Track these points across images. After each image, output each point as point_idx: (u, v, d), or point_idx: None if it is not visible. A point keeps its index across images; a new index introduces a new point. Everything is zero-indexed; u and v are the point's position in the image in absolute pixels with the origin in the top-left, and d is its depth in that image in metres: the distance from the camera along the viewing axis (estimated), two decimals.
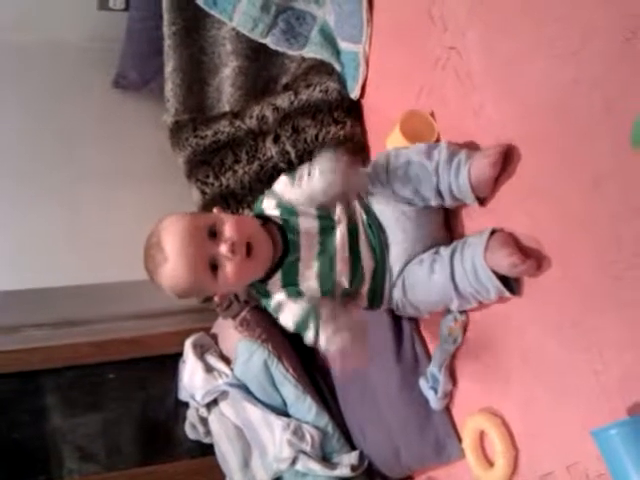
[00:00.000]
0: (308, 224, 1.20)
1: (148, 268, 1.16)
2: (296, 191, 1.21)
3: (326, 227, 1.21)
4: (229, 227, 1.12)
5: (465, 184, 1.13)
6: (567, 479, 1.05)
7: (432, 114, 1.34)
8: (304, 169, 1.22)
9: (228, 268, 1.10)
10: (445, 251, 1.18)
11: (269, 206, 1.24)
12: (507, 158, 1.12)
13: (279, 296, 1.19)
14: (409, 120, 1.35)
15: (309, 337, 1.14)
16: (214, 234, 1.11)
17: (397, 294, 1.24)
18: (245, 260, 1.11)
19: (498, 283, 1.09)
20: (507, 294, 1.10)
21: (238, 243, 1.10)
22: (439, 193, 1.18)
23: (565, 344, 1.02)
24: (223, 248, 1.09)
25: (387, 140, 1.41)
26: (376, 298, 1.27)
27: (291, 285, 1.18)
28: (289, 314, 1.16)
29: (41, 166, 1.99)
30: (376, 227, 1.24)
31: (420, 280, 1.19)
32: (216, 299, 1.21)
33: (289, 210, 1.21)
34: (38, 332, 1.96)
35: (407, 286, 1.22)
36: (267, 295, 1.21)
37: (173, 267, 1.10)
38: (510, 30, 1.10)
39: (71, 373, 2.07)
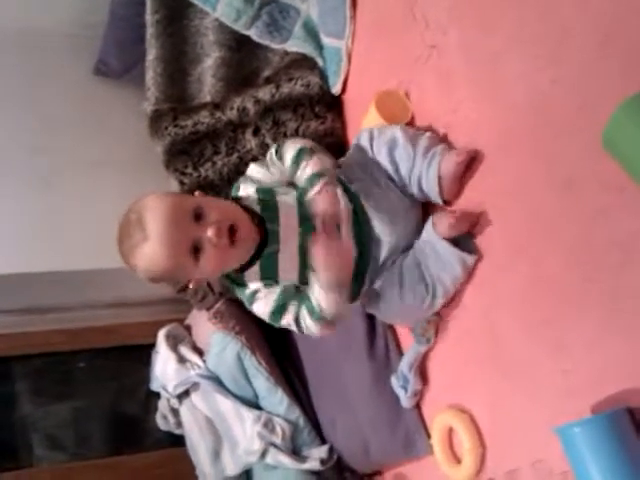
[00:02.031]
0: (288, 212, 1.17)
1: (123, 247, 1.08)
2: (273, 172, 1.21)
3: (306, 214, 1.17)
4: (215, 210, 1.07)
5: (433, 178, 1.16)
6: (532, 476, 1.06)
7: (407, 94, 1.35)
8: (271, 154, 1.22)
9: (211, 253, 1.05)
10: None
11: (247, 193, 1.20)
12: (474, 161, 1.15)
13: (254, 285, 1.16)
14: (383, 100, 1.36)
15: (287, 322, 1.13)
16: (199, 217, 1.06)
17: (371, 308, 1.27)
18: (228, 246, 1.06)
19: (454, 248, 1.14)
20: (468, 258, 1.14)
21: (224, 227, 1.05)
22: (409, 180, 1.20)
23: (535, 343, 1.03)
24: (210, 232, 1.04)
25: (363, 121, 1.42)
26: (354, 290, 1.24)
27: (269, 277, 1.15)
28: (265, 302, 1.14)
29: (20, 152, 1.97)
30: (362, 215, 1.22)
31: (393, 304, 1.21)
32: (190, 285, 1.15)
33: (267, 203, 1.18)
34: (9, 318, 1.94)
35: (382, 308, 1.24)
36: (242, 285, 1.18)
37: (153, 247, 1.03)
38: (490, 30, 1.11)
39: (42, 361, 2.05)
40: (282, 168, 1.22)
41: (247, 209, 1.15)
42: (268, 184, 1.22)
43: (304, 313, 1.11)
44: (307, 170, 1.18)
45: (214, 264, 1.08)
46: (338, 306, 1.09)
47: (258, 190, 1.19)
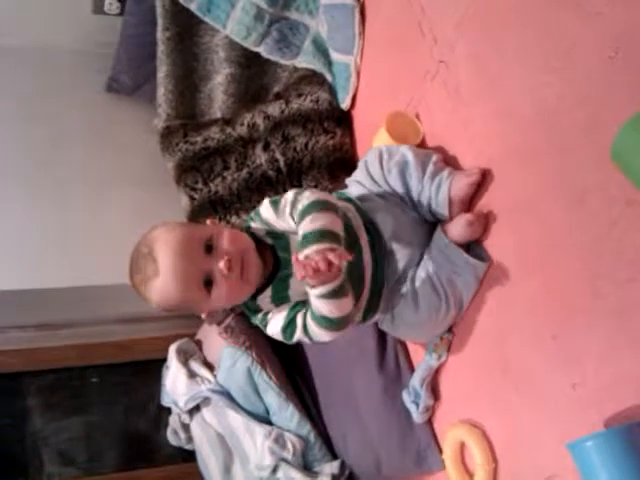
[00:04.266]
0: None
1: (135, 279, 1.08)
2: (280, 222, 1.14)
3: None
4: (226, 241, 1.07)
5: (444, 200, 1.16)
6: None
7: (417, 116, 1.36)
8: (287, 199, 1.12)
9: (223, 285, 1.05)
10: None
11: (258, 228, 1.18)
12: (485, 180, 1.14)
13: (267, 308, 1.15)
14: (394, 121, 1.36)
15: (298, 335, 1.10)
16: (210, 248, 1.06)
17: (386, 326, 1.26)
18: (240, 278, 1.06)
19: (466, 255, 1.13)
20: (480, 265, 1.13)
21: (235, 259, 1.05)
22: (420, 202, 1.20)
23: (545, 357, 1.03)
24: (221, 264, 1.04)
25: (373, 140, 1.42)
26: (371, 308, 1.23)
27: (280, 299, 1.14)
28: (276, 321, 1.13)
29: (32, 168, 1.99)
30: (374, 232, 1.21)
31: (409, 320, 1.20)
32: (203, 316, 1.14)
33: (278, 234, 1.16)
34: (22, 334, 1.94)
35: (397, 324, 1.23)
36: (256, 311, 1.17)
37: (165, 282, 1.03)
38: (497, 45, 1.12)
39: (54, 376, 2.06)
40: (290, 224, 1.11)
41: (258, 239, 1.14)
42: (274, 228, 1.16)
43: (309, 321, 1.08)
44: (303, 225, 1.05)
45: (226, 296, 1.07)
46: (337, 311, 1.04)
47: (268, 233, 1.16)
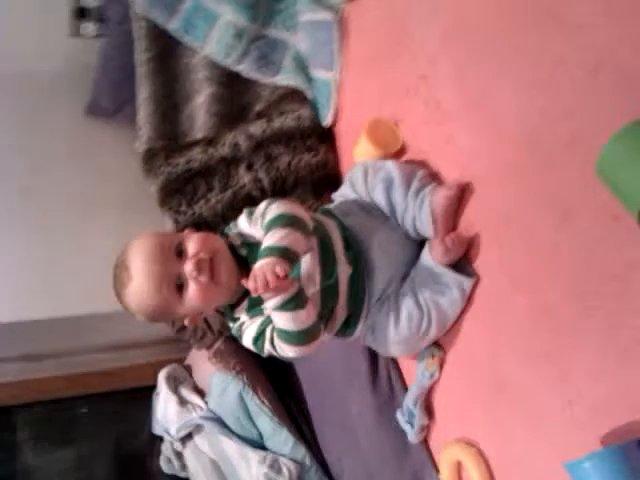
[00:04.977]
0: None
1: (115, 289, 1.11)
2: (254, 232, 1.16)
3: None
4: (194, 243, 1.08)
5: (426, 216, 1.16)
6: None
7: (396, 123, 1.36)
8: (259, 210, 1.14)
9: (193, 288, 1.06)
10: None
11: (234, 238, 1.19)
12: (465, 193, 1.14)
13: (243, 318, 1.16)
14: (374, 129, 1.37)
15: (267, 348, 1.11)
16: (181, 253, 1.08)
17: (368, 341, 1.26)
18: (210, 281, 1.07)
19: (452, 273, 1.13)
20: (466, 281, 1.13)
21: (203, 260, 1.06)
22: (404, 220, 1.21)
23: (539, 375, 1.01)
24: (188, 266, 1.06)
25: (354, 150, 1.43)
26: (351, 322, 1.23)
27: (255, 312, 1.14)
28: (249, 332, 1.14)
29: (12, 194, 1.95)
30: (356, 248, 1.21)
31: (389, 332, 1.20)
32: (186, 322, 1.15)
33: (252, 245, 1.16)
34: (7, 366, 1.91)
35: (378, 338, 1.22)
36: (235, 320, 1.18)
37: (137, 286, 1.06)
38: (480, 60, 1.11)
39: (42, 408, 2.03)
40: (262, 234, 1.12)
41: (233, 248, 1.15)
42: (252, 238, 1.17)
43: (275, 334, 1.09)
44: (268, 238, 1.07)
45: (197, 299, 1.08)
46: (293, 323, 1.05)
47: (243, 243, 1.18)
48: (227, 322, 1.22)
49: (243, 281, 1.00)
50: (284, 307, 1.03)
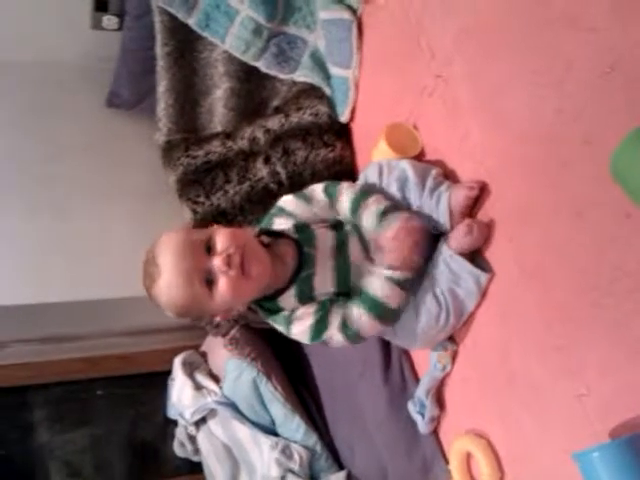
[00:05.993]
0: (325, 236, 1.22)
1: (145, 285, 1.12)
2: (314, 210, 1.23)
3: (341, 237, 1.22)
4: (223, 238, 1.09)
5: (444, 211, 1.18)
6: None
7: (415, 127, 1.37)
8: (316, 191, 1.26)
9: (223, 282, 1.07)
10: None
11: (282, 224, 1.23)
12: (483, 192, 1.16)
13: (290, 308, 1.17)
14: (393, 132, 1.37)
15: (329, 334, 1.14)
16: (210, 249, 1.09)
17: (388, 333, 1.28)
18: (241, 275, 1.08)
19: (469, 265, 1.14)
20: (482, 275, 1.14)
21: (233, 255, 1.07)
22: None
23: (549, 368, 1.04)
24: (217, 261, 1.06)
25: (373, 153, 1.43)
26: None
27: (306, 298, 1.17)
28: (303, 320, 1.15)
29: (33, 183, 1.99)
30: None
31: (409, 327, 1.21)
32: (218, 319, 1.18)
33: (303, 228, 1.21)
34: (26, 347, 1.95)
35: (398, 332, 1.24)
36: (277, 311, 1.19)
37: (167, 280, 1.07)
38: (495, 60, 1.13)
39: (60, 389, 2.07)
40: (326, 205, 1.25)
41: (281, 235, 1.19)
42: (303, 219, 1.24)
43: (362, 312, 1.13)
44: (372, 207, 1.20)
45: (227, 293, 1.08)
46: (399, 300, 1.13)
47: (296, 226, 1.22)
48: (265, 314, 1.21)
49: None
50: (403, 283, 1.10)
